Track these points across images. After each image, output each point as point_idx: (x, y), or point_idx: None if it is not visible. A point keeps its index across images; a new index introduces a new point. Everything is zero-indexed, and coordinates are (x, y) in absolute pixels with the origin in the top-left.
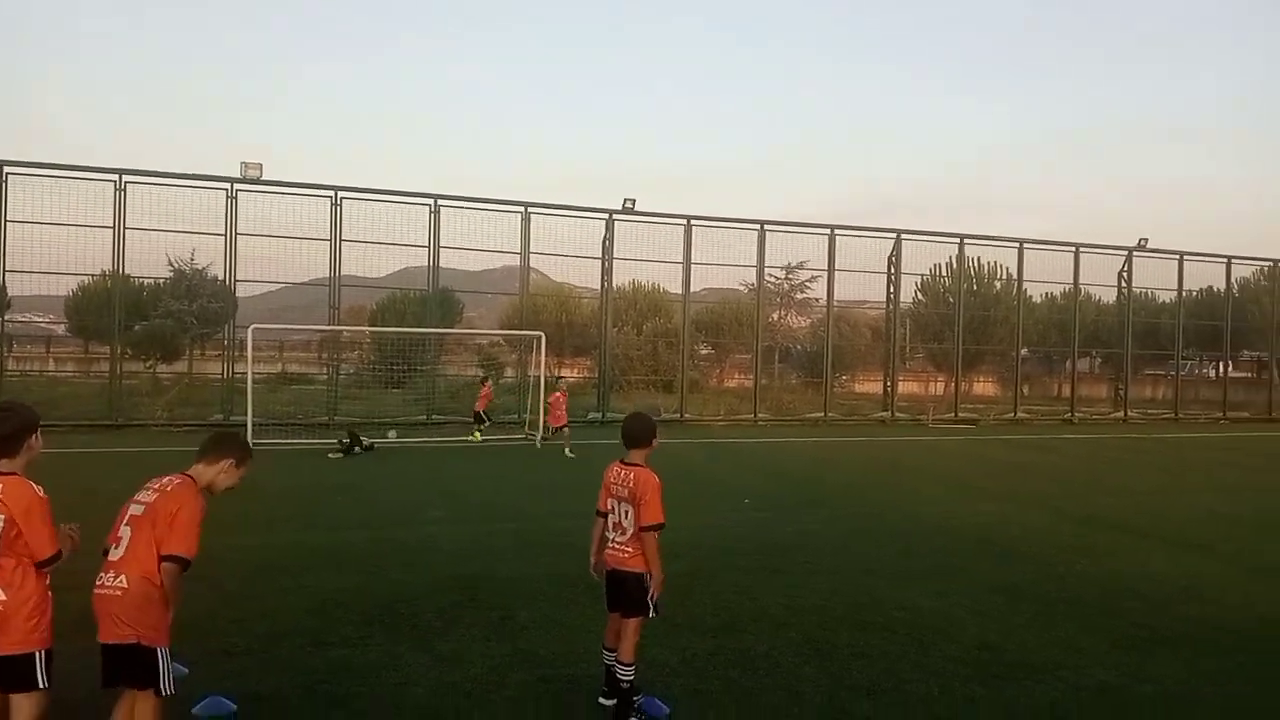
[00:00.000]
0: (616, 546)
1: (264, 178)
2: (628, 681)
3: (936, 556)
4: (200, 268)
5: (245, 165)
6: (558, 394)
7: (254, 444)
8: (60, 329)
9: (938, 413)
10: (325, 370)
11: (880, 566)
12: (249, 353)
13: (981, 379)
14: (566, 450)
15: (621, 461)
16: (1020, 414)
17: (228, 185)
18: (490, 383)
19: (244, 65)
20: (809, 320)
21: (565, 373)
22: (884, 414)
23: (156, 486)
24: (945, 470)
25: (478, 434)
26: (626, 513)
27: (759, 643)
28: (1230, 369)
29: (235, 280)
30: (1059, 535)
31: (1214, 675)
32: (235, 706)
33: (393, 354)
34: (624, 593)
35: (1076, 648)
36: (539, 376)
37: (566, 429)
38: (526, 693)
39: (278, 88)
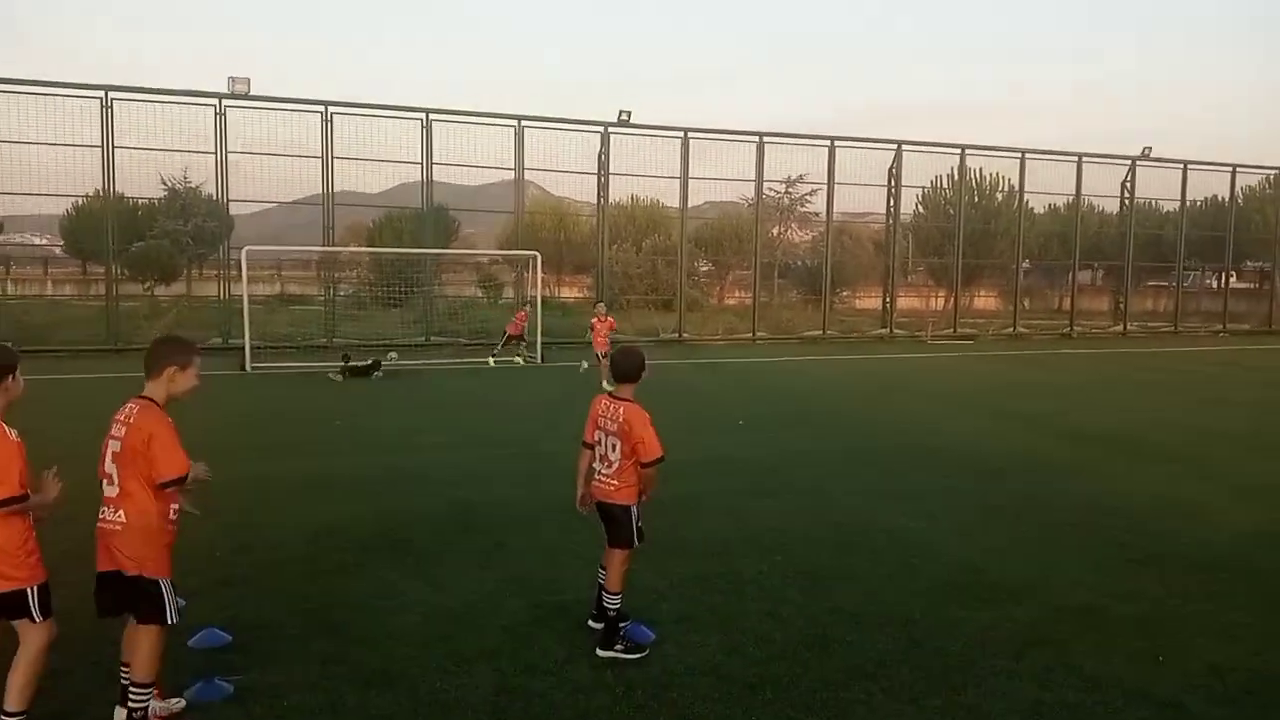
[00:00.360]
0: (603, 479)
1: (252, 93)
2: (614, 610)
3: (925, 477)
4: (194, 185)
5: (233, 80)
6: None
7: (252, 368)
8: (58, 250)
9: (936, 328)
10: (324, 291)
11: (869, 488)
12: (244, 276)
13: (983, 293)
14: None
15: (610, 395)
16: (1020, 329)
17: (216, 101)
18: (528, 310)
19: None
20: (810, 235)
21: (565, 292)
22: (883, 330)
23: (122, 419)
24: (939, 388)
25: (520, 358)
26: (614, 446)
27: (747, 567)
28: (1234, 280)
29: (228, 199)
30: (1047, 454)
31: (1193, 594)
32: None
33: (391, 274)
34: (612, 524)
35: (1059, 568)
36: (536, 295)
37: (601, 356)
38: (519, 619)
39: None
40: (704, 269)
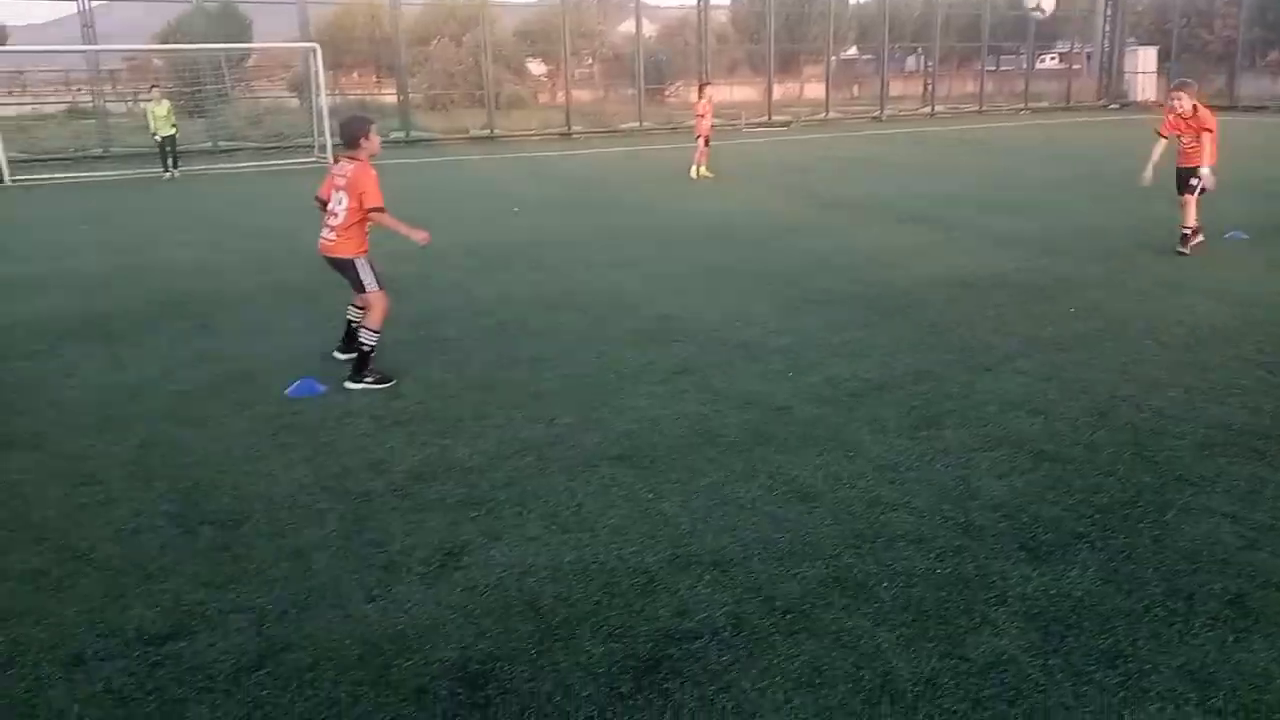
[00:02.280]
0: (326, 236)
1: None
2: (368, 346)
3: (660, 246)
4: None
5: None
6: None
7: (12, 180)
8: None
9: (752, 117)
10: (122, 103)
11: (605, 259)
12: None
13: (811, 82)
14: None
15: (347, 156)
16: (832, 114)
17: None
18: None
19: None
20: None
21: (386, 91)
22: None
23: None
24: (724, 171)
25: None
26: (341, 201)
27: (453, 329)
28: (1056, 61)
29: None
30: (791, 219)
31: (846, 326)
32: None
33: (189, 80)
34: (345, 276)
35: (743, 313)
36: (320, 93)
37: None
38: (194, 384)
39: None
40: (538, 70)
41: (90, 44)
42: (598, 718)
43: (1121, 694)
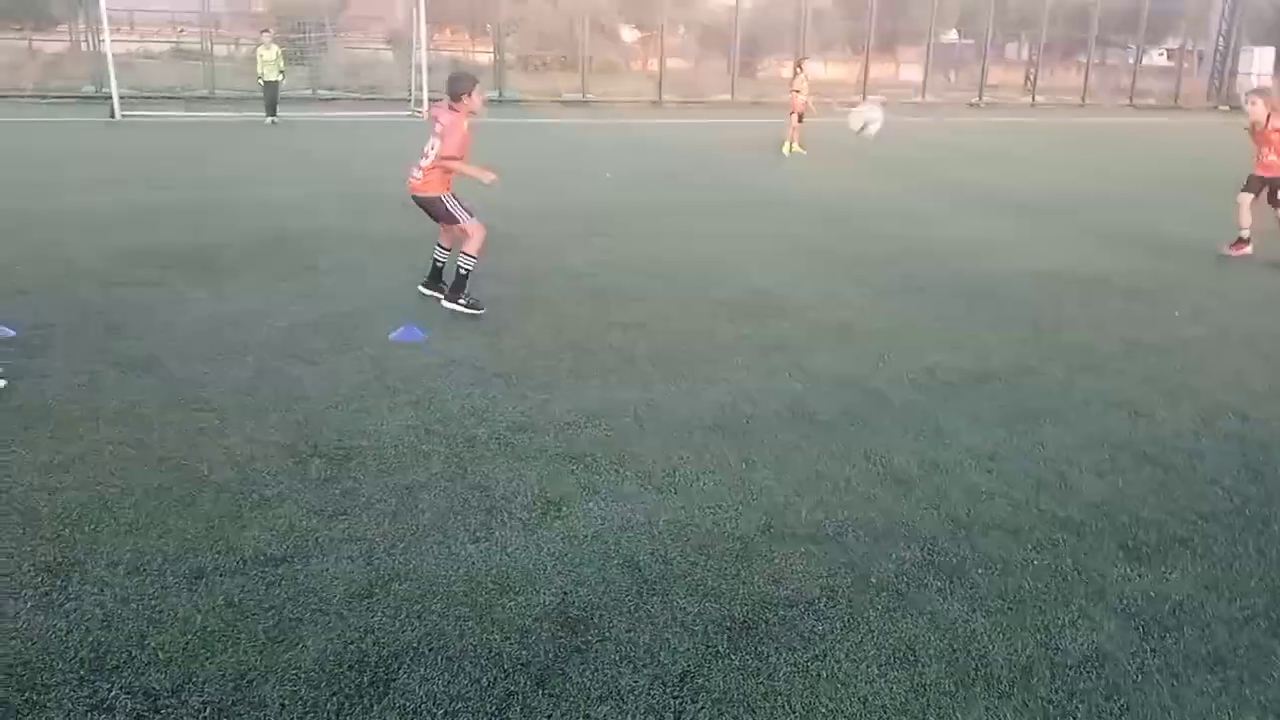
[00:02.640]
0: (414, 175)
1: None
2: (466, 269)
3: (751, 221)
4: None
5: None
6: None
7: (122, 115)
8: None
9: (846, 97)
10: (224, 46)
11: (696, 229)
12: (103, 17)
13: (910, 64)
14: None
15: (449, 106)
16: (928, 98)
17: None
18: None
19: None
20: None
21: (480, 49)
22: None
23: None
24: (821, 149)
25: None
26: (434, 145)
27: (550, 289)
28: (1164, 58)
29: None
30: (884, 201)
31: (950, 316)
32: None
33: (289, 28)
34: (433, 213)
35: (836, 294)
36: (422, 44)
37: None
38: (297, 321)
39: None
40: (631, 37)
41: None
42: (694, 672)
43: (1221, 699)
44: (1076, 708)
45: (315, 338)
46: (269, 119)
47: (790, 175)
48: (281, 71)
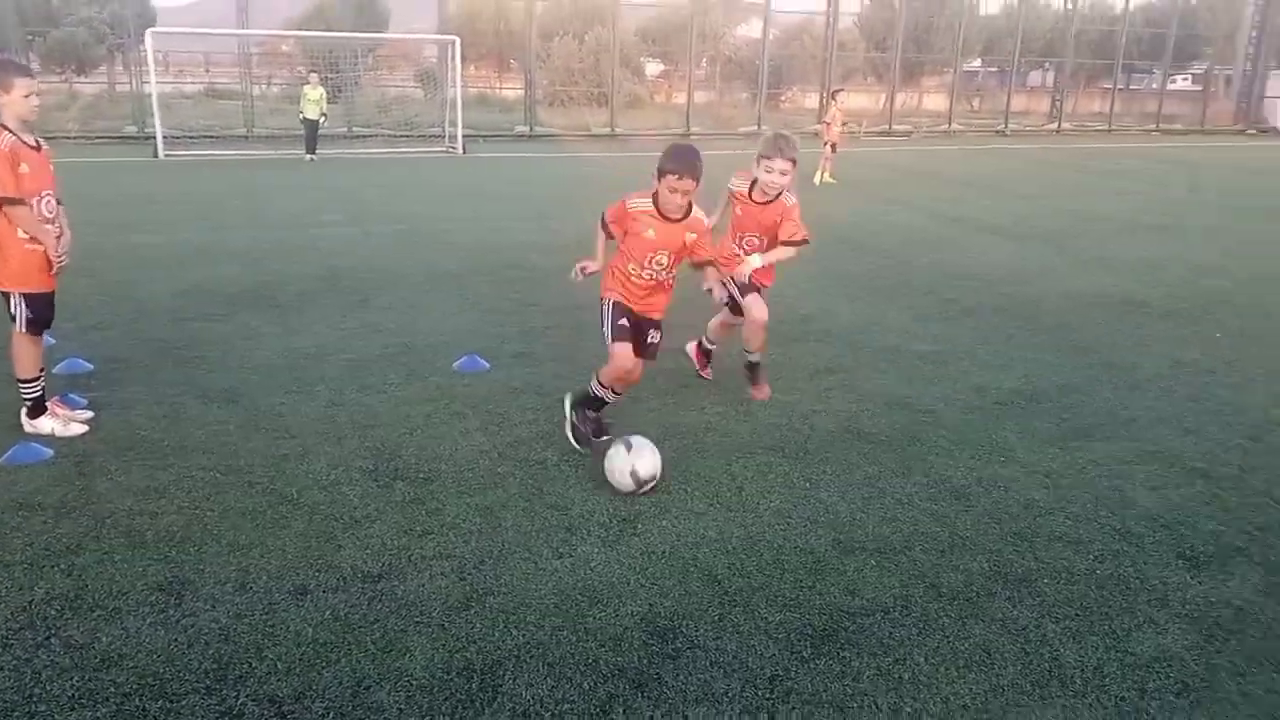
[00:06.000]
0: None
1: None
2: (591, 391)
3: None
4: None
5: None
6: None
7: (165, 155)
8: None
9: (872, 125)
10: (242, 83)
11: None
12: (149, 59)
13: (932, 92)
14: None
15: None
16: (955, 126)
17: None
18: (835, 107)
19: None
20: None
21: (507, 84)
22: (818, 126)
23: None
24: (847, 176)
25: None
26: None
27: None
28: (1183, 82)
29: None
30: (916, 230)
31: (995, 338)
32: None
33: (322, 67)
34: None
35: (881, 319)
36: (456, 83)
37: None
38: (365, 355)
39: None
40: (652, 67)
41: (243, 28)
42: (782, 676)
43: None
44: (1149, 704)
45: (383, 369)
46: (308, 156)
47: (822, 204)
48: (324, 113)
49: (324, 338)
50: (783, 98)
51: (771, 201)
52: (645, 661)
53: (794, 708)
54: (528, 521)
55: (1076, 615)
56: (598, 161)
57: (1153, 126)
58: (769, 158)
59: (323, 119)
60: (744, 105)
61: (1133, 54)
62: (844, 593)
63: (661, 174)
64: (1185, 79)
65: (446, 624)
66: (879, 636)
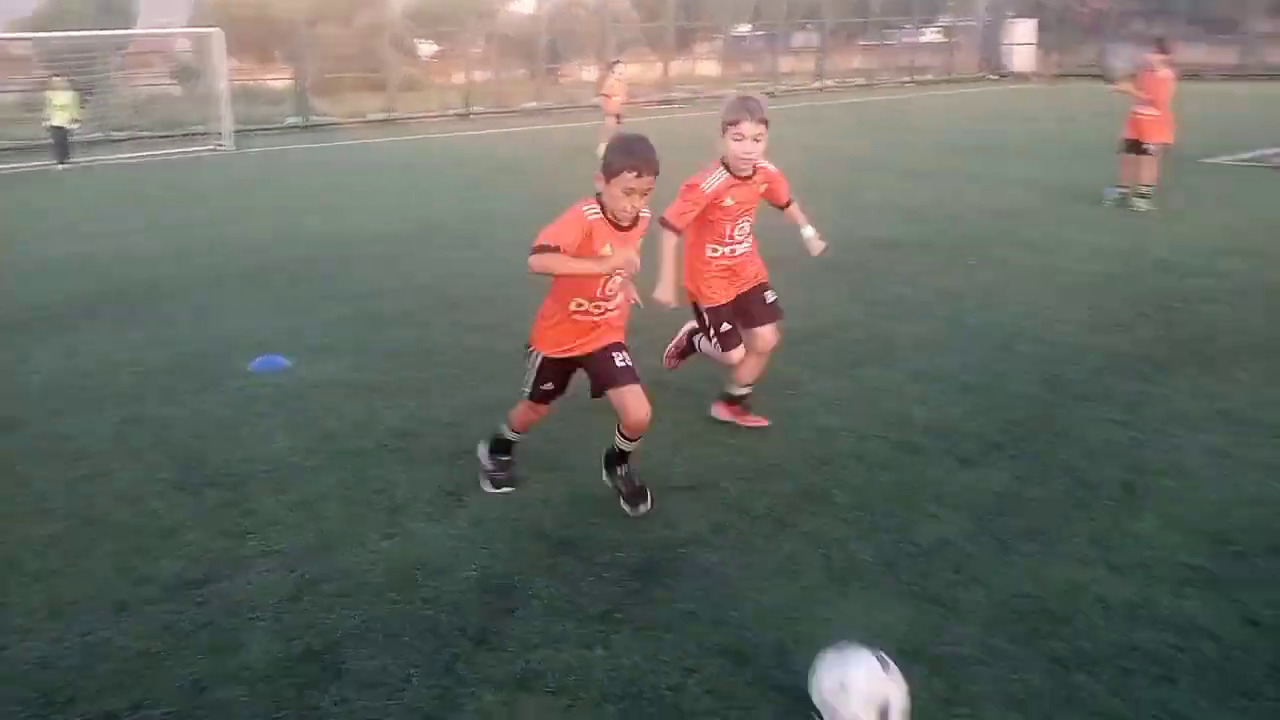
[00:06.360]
0: None
1: None
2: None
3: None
4: None
5: None
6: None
7: None
8: None
9: (651, 95)
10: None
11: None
12: None
13: (704, 60)
14: None
15: None
16: (727, 91)
17: None
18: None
19: None
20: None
21: (271, 75)
22: (598, 98)
23: None
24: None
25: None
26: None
27: (408, 304)
28: (938, 35)
29: None
30: None
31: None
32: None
33: (67, 69)
34: None
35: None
36: (223, 79)
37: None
38: (153, 366)
39: None
40: (428, 51)
41: None
42: (614, 610)
43: (1039, 558)
44: (931, 584)
45: (174, 379)
46: (59, 166)
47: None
48: (75, 119)
49: (108, 353)
50: (561, 72)
51: (751, 176)
52: (486, 619)
53: (627, 636)
54: (350, 509)
55: (869, 519)
56: (380, 148)
57: (907, 78)
58: (735, 122)
59: (75, 125)
60: (521, 82)
61: (884, 11)
62: (665, 528)
63: (614, 173)
64: (935, 33)
65: (281, 615)
66: (699, 563)
